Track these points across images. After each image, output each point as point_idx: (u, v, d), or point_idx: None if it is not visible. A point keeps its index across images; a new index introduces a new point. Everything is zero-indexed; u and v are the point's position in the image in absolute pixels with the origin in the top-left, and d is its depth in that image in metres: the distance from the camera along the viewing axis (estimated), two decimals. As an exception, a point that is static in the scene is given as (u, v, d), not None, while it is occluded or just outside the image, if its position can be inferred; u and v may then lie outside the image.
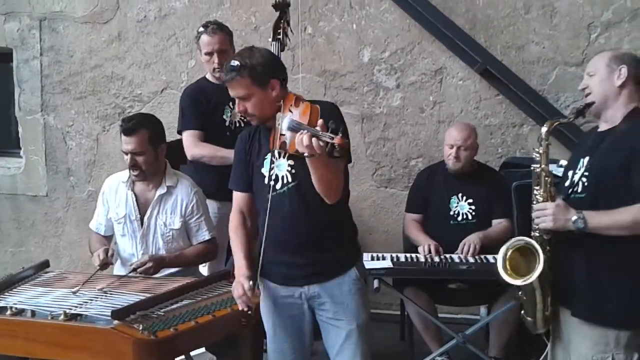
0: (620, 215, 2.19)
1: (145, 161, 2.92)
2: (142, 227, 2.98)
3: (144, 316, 2.29)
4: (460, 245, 3.34)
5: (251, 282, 2.25)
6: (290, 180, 2.28)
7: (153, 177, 3.00)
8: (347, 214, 2.46)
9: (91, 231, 3.16)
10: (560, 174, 3.20)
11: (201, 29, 3.43)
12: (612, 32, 3.97)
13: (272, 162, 2.31)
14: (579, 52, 4.05)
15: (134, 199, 3.01)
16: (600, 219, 2.21)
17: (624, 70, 2.27)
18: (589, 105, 2.34)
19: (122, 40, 4.76)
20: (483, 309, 4.15)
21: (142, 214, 3.00)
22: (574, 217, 2.21)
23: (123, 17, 4.72)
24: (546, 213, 2.28)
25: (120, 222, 3.02)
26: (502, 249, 2.35)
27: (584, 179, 2.33)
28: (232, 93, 2.30)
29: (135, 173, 2.94)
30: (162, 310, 2.36)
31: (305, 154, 2.07)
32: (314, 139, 2.02)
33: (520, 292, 2.43)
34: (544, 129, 2.36)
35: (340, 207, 2.37)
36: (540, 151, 2.34)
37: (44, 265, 2.95)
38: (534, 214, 2.33)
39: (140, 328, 2.17)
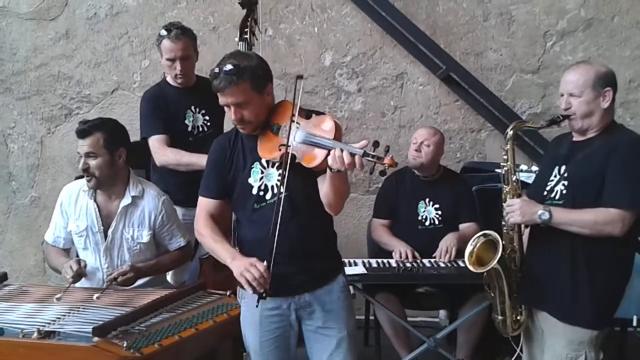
0: (584, 214, 2.29)
1: (97, 165, 2.72)
2: (105, 240, 2.80)
3: (125, 332, 2.16)
4: (439, 249, 3.35)
5: (265, 263, 2.11)
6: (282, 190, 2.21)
7: (112, 185, 2.80)
8: (331, 221, 2.41)
9: (47, 245, 2.92)
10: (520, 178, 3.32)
11: (163, 32, 3.26)
12: (567, 41, 4.11)
13: (263, 170, 2.26)
14: (535, 60, 4.17)
15: (96, 209, 2.80)
16: (565, 215, 2.31)
17: (610, 94, 2.35)
18: (566, 117, 2.42)
19: (70, 38, 4.53)
20: (442, 312, 4.20)
21: (105, 226, 2.80)
22: (541, 211, 2.33)
23: (71, 14, 4.49)
24: (514, 208, 2.39)
25: (82, 235, 2.81)
26: (470, 244, 2.51)
27: (562, 187, 2.40)
28: (228, 100, 2.17)
29: (88, 178, 2.75)
30: (143, 325, 2.23)
31: (334, 170, 2.00)
32: (357, 157, 1.96)
33: (489, 289, 2.52)
34: (510, 130, 2.49)
35: (325, 214, 2.33)
36: (507, 148, 2.48)
37: (2, 277, 2.74)
38: (504, 211, 2.44)
39: (125, 345, 2.04)
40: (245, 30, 3.33)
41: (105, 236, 2.80)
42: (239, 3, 3.41)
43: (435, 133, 3.54)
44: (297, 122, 2.16)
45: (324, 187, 2.14)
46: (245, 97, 2.16)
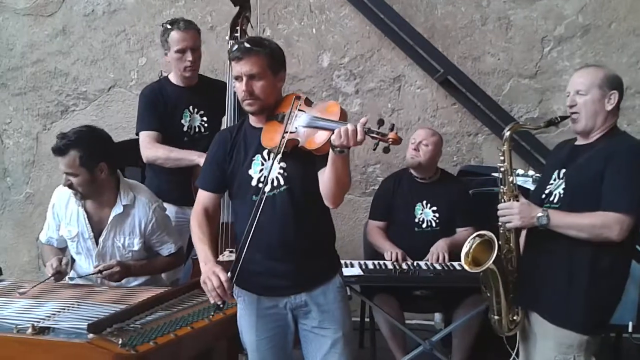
0: (582, 218, 2.28)
1: (78, 183, 2.65)
2: (97, 246, 2.77)
3: (120, 329, 2.15)
4: (429, 254, 3.35)
5: (229, 274, 2.09)
6: (282, 183, 2.20)
7: (99, 196, 2.74)
8: (329, 219, 2.40)
9: (42, 244, 2.91)
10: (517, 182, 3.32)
11: (169, 26, 3.22)
12: (565, 47, 4.11)
13: (263, 162, 2.24)
14: (533, 65, 4.17)
15: (85, 216, 2.76)
16: (563, 218, 2.31)
17: (615, 97, 2.35)
18: (565, 118, 2.43)
19: (67, 35, 4.51)
20: (437, 315, 4.20)
21: (95, 232, 2.76)
22: (539, 214, 2.31)
23: (69, 10, 4.48)
24: (513, 212, 2.38)
25: (74, 240, 2.79)
26: (466, 244, 2.49)
27: (561, 190, 2.40)
28: (242, 69, 2.16)
29: (74, 192, 2.70)
30: (138, 323, 2.22)
31: (337, 150, 1.98)
32: (359, 127, 1.96)
33: (485, 289, 2.51)
34: (507, 131, 2.48)
35: (325, 212, 2.33)
36: (503, 149, 2.47)
37: (-4, 273, 2.73)
38: (499, 212, 2.42)
39: (120, 342, 2.03)
40: (236, 28, 3.24)
41: (97, 243, 2.77)
42: (231, 0, 3.32)
43: (434, 134, 3.56)
44: (301, 110, 2.17)
45: (325, 174, 2.11)
46: (260, 70, 2.17)
